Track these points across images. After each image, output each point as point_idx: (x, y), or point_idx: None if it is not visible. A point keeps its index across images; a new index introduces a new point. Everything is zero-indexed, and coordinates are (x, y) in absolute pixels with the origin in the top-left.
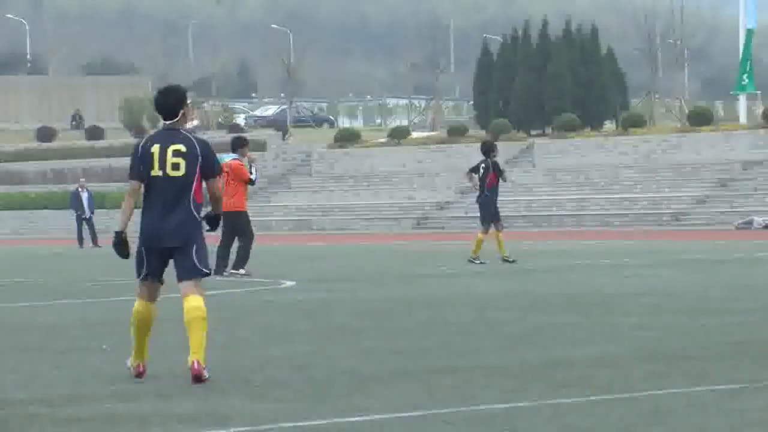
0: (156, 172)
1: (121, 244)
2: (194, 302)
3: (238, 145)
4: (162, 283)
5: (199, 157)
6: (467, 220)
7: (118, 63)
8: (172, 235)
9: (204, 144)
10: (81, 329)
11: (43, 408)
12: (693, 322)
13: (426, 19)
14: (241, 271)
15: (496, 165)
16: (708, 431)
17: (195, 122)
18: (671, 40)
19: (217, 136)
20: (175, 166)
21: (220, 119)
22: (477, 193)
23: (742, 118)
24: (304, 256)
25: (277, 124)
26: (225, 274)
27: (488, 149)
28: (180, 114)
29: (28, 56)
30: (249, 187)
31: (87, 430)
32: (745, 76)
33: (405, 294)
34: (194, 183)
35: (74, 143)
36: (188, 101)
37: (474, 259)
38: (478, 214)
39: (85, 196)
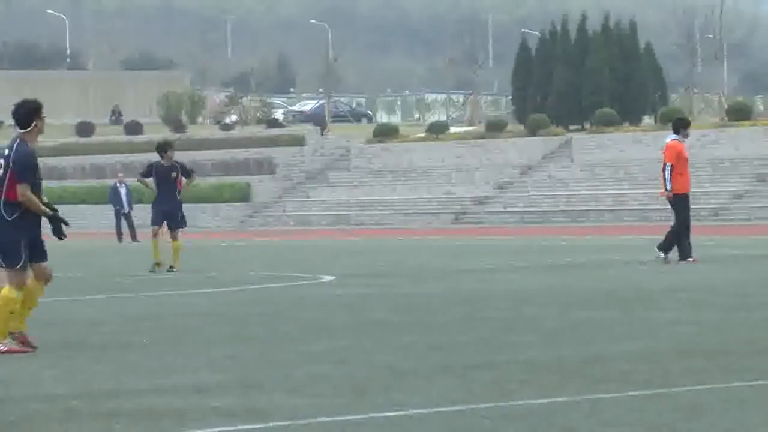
0: None
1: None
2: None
3: (680, 126)
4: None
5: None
6: (506, 215)
7: (157, 58)
8: None
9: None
10: (121, 324)
11: (83, 402)
12: (732, 317)
13: (465, 15)
14: (661, 254)
15: (183, 167)
16: (747, 427)
17: (233, 117)
18: (710, 35)
19: (255, 131)
20: None
21: (258, 114)
22: (171, 197)
23: None
24: (344, 251)
25: (316, 119)
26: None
27: (162, 149)
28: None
29: (68, 52)
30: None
31: (127, 424)
32: None
33: (444, 289)
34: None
35: (113, 138)
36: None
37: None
38: (152, 217)
39: (123, 191)
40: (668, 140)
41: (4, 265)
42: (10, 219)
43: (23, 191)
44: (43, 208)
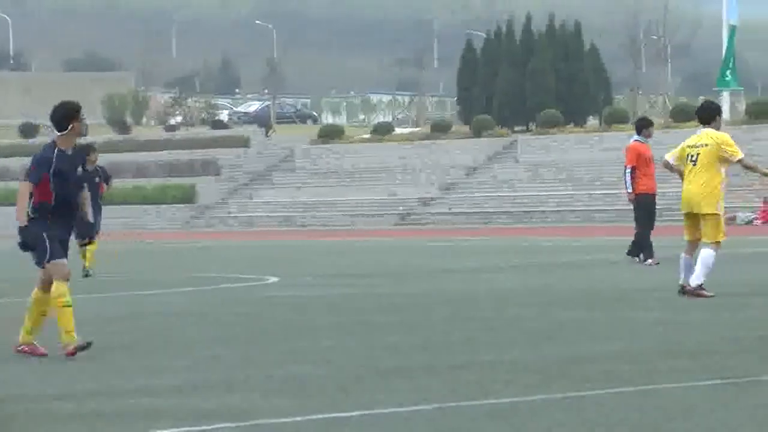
0: None
1: None
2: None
3: (643, 126)
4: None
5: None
6: (450, 216)
7: (101, 59)
8: None
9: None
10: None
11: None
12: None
13: (412, 16)
14: (649, 261)
15: (105, 171)
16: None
17: (178, 118)
18: (654, 36)
19: (200, 133)
20: None
21: (203, 115)
22: (92, 201)
23: (726, 115)
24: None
25: (260, 120)
26: (639, 261)
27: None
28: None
29: (11, 52)
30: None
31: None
32: (728, 72)
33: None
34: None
35: None
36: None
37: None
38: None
39: None
40: (630, 142)
41: (36, 263)
42: (33, 216)
43: (21, 186)
44: (23, 215)
